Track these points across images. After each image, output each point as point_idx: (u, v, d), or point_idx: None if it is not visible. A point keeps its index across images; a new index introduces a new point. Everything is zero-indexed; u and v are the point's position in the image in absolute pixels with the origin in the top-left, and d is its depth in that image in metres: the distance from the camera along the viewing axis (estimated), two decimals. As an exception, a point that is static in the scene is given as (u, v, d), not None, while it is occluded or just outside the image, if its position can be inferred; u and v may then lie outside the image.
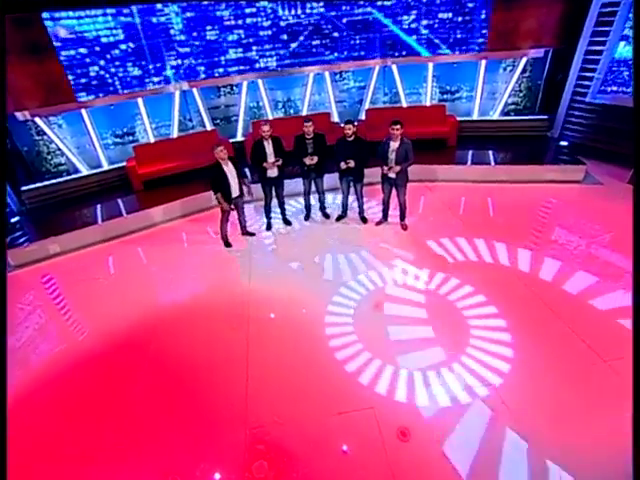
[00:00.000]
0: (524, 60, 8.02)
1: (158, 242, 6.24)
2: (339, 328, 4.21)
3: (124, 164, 7.76)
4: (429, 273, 4.93)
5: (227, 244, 5.88)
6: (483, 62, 8.17)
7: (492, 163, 7.15)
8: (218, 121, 8.97)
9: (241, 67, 7.97)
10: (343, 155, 5.45)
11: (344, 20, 7.92)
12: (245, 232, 6.08)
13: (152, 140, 8.23)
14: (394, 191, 5.65)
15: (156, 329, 4.46)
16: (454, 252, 5.28)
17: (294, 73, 8.39)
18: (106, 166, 8.09)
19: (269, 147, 5.55)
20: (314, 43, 8.10)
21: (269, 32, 7.80)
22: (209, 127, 8.59)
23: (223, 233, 5.78)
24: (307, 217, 6.42)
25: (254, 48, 7.89)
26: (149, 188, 7.57)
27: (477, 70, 8.31)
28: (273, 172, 5.68)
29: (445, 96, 8.88)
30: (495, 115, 8.56)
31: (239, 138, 8.88)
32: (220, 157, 5.19)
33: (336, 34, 8.03)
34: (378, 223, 6.03)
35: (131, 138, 8.36)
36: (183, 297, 4.92)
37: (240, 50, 7.84)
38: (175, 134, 8.42)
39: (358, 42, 8.17)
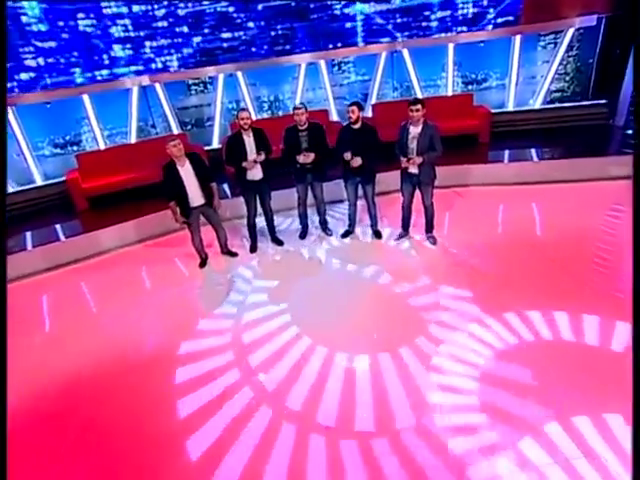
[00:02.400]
0: (570, 33, 7.79)
1: (106, 273, 5.87)
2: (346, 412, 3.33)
3: (64, 178, 7.37)
4: (481, 310, 4.26)
5: (202, 263, 5.66)
6: (517, 39, 7.88)
7: (536, 159, 6.87)
8: (190, 126, 8.72)
9: (132, 68, 7.61)
10: (348, 147, 5.15)
11: (260, 7, 7.68)
12: (226, 251, 5.81)
13: (102, 147, 7.90)
14: (417, 195, 5.32)
15: (95, 394, 3.86)
16: (504, 274, 4.74)
17: (282, 63, 8.21)
18: (40, 181, 7.70)
19: (249, 141, 5.22)
20: (224, 36, 7.72)
21: (165, 23, 7.43)
22: (176, 130, 8.31)
23: (196, 247, 5.57)
24: (303, 234, 6.05)
25: (147, 44, 7.52)
26: (97, 206, 7.22)
27: (510, 50, 8.06)
28: (255, 174, 5.34)
29: (470, 87, 8.70)
30: (537, 104, 8.30)
31: (215, 145, 8.58)
32: (173, 154, 4.89)
33: (251, 24, 7.69)
34: (397, 238, 5.69)
35: (75, 148, 8.02)
36: (134, 346, 4.43)
37: (128, 46, 7.46)
38: (133, 140, 8.13)
39: (280, 33, 7.87)
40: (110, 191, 7.20)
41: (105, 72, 7.43)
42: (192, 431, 3.29)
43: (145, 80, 7.63)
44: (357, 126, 5.10)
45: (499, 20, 7.86)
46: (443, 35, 8.04)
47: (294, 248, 5.87)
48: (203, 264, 5.63)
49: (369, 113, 8.49)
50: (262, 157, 5.25)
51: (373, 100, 8.75)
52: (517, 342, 3.74)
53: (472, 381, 3.39)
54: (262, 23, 7.71)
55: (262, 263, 5.67)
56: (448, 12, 7.91)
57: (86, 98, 7.52)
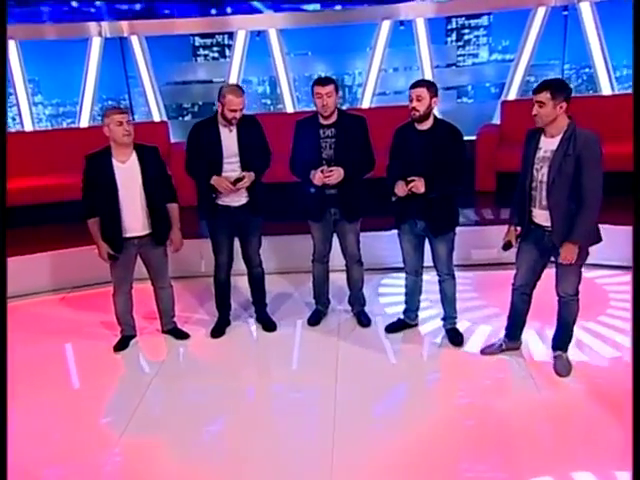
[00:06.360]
0: None
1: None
2: None
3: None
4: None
5: (121, 343, 5.54)
6: None
7: None
8: (187, 114, 9.18)
9: None
10: (405, 164, 4.90)
11: None
12: (170, 329, 5.70)
13: (27, 128, 8.34)
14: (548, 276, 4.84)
15: None
16: None
17: (350, 20, 8.57)
18: None
19: (230, 140, 5.11)
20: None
21: None
22: (157, 117, 8.71)
23: (118, 312, 5.50)
24: (316, 317, 5.77)
25: None
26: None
27: None
28: (234, 197, 5.26)
29: None
30: None
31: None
32: (113, 136, 4.81)
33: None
34: (495, 349, 5.12)
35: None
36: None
37: None
38: (85, 123, 8.50)
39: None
40: (27, 202, 7.32)
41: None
42: None
43: (116, 28, 7.85)
44: (425, 127, 4.87)
45: None
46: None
47: (294, 340, 5.68)
48: (122, 345, 5.43)
49: (496, 118, 8.58)
50: (246, 180, 5.10)
51: (512, 95, 8.68)
52: None
53: None
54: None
55: (226, 361, 5.41)
56: None
57: (12, 46, 7.76)
